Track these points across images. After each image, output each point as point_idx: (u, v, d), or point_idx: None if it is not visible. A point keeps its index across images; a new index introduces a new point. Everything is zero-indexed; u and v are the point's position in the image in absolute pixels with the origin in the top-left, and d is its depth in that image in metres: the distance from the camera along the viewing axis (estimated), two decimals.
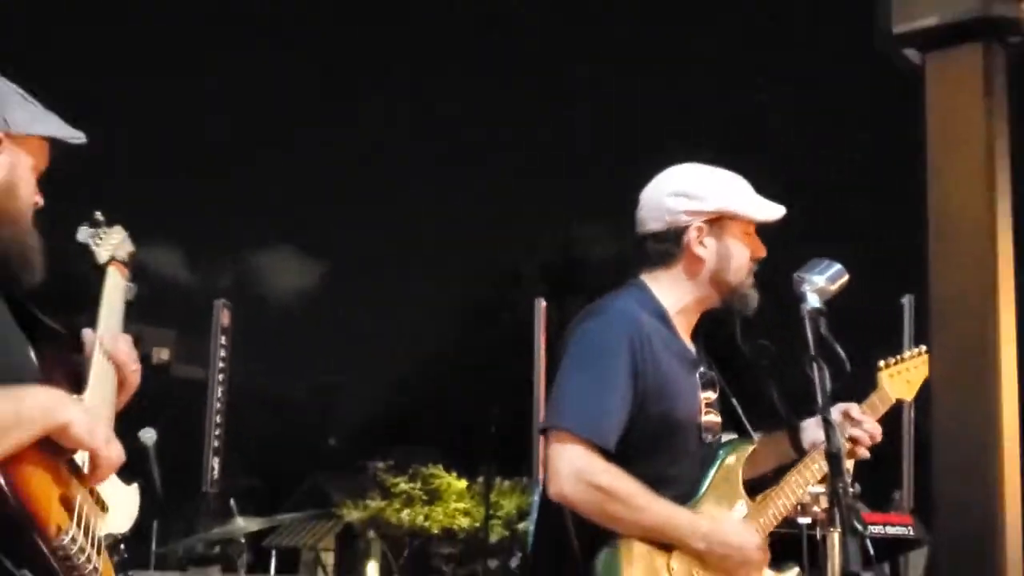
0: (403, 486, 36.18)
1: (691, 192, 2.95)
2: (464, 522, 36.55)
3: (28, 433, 1.88)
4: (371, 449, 38.77)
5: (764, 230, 3.06)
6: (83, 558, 1.92)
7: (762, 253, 3.02)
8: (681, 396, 2.89)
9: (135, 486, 2.14)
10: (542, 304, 6.19)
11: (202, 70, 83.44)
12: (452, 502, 36.32)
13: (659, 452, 2.83)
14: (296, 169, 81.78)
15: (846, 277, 2.72)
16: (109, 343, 2.23)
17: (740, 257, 2.98)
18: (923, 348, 3.12)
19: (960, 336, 2.45)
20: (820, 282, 2.64)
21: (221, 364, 7.11)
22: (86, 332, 2.24)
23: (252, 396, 35.73)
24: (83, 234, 2.39)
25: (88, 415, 1.98)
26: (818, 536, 3.16)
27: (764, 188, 3.05)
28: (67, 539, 1.89)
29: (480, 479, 35.68)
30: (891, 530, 3.65)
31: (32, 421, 1.89)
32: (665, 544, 2.75)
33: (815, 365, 2.50)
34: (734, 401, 3.06)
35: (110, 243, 2.42)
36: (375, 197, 78.33)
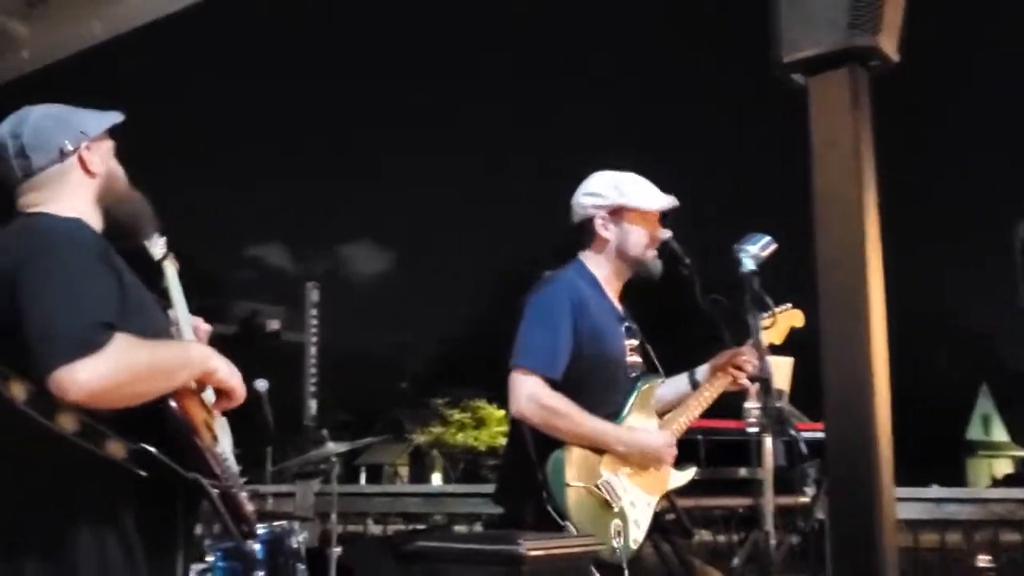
0: (457, 416, 36.20)
1: (596, 192, 2.96)
2: (503, 442, 36.51)
3: (191, 372, 1.92)
4: (433, 389, 38.76)
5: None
6: (231, 462, 1.96)
7: (661, 235, 2.96)
8: (611, 341, 2.89)
9: (225, 420, 2.12)
10: None
11: (302, 100, 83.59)
12: (494, 427, 36.30)
13: (595, 383, 2.82)
14: (373, 184, 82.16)
15: (775, 246, 2.65)
16: (189, 321, 2.21)
17: (637, 236, 2.94)
18: (788, 305, 3.05)
19: (839, 285, 2.46)
20: (753, 250, 2.60)
21: (314, 330, 7.16)
22: (170, 312, 2.20)
23: (344, 354, 35.96)
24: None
25: (228, 362, 2.01)
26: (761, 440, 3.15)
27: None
28: (219, 447, 1.93)
29: None
30: (820, 435, 3.70)
31: (194, 365, 1.94)
32: (598, 449, 2.76)
33: (751, 311, 2.51)
34: (648, 347, 3.02)
35: (158, 244, 2.41)
36: (433, 203, 78.82)
